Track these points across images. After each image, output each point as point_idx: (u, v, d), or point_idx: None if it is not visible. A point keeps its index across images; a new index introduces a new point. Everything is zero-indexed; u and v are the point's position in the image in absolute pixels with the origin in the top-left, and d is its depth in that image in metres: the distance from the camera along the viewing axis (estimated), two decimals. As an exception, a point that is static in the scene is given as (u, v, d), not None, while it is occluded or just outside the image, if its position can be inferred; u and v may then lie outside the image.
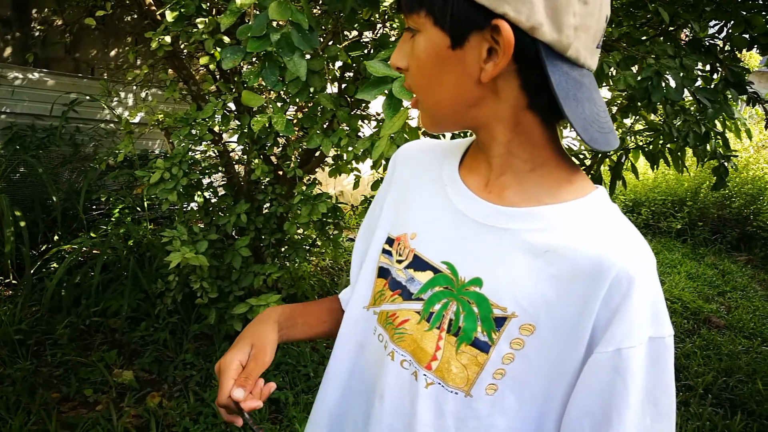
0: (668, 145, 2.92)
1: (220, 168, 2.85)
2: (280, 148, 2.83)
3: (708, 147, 2.68)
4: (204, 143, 2.77)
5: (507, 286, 0.68)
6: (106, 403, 2.38)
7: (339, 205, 3.01)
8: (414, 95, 0.74)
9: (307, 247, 3.31)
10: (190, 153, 2.54)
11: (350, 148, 2.21)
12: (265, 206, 2.95)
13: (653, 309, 0.64)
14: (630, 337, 0.63)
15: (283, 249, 3.07)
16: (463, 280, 0.71)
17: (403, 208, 0.83)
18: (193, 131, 2.48)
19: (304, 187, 2.55)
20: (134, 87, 3.74)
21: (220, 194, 2.97)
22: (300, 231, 3.30)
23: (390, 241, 0.82)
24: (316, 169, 3.03)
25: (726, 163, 2.81)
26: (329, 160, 3.00)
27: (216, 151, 2.87)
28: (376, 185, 2.79)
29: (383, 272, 0.82)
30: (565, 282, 0.65)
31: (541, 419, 0.70)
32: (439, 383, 0.72)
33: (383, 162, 2.53)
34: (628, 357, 0.63)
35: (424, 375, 0.73)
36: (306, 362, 2.87)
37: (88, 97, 3.44)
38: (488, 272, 0.69)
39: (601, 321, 0.64)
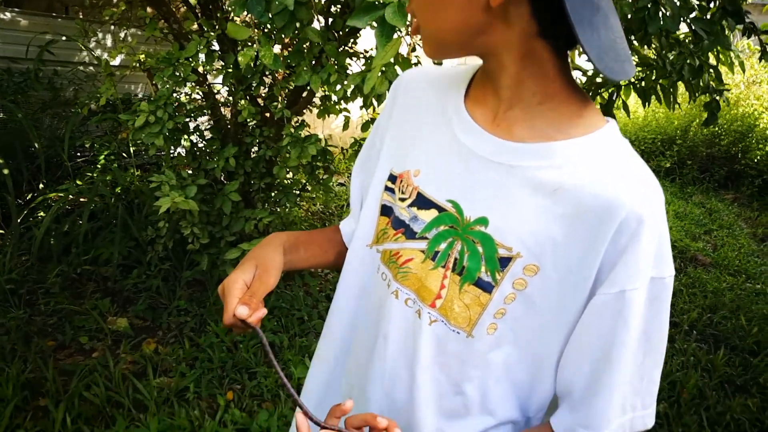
0: (660, 81, 2.87)
1: (206, 111, 2.77)
2: (266, 89, 2.75)
3: (701, 81, 2.64)
4: (188, 84, 2.69)
5: (513, 225, 0.66)
6: (102, 350, 2.39)
7: (328, 148, 2.96)
8: (415, 20, 0.69)
9: (298, 192, 3.28)
10: (174, 95, 2.46)
11: (339, 87, 2.14)
12: (253, 150, 2.89)
13: (658, 249, 0.63)
14: (634, 279, 0.62)
15: (273, 194, 3.03)
16: (468, 219, 0.69)
17: (405, 143, 0.79)
18: (177, 72, 2.40)
19: (292, 129, 2.49)
20: (112, 26, 3.59)
21: (207, 138, 2.90)
22: (290, 175, 3.26)
23: (393, 178, 0.79)
24: (304, 111, 2.96)
25: (718, 98, 2.77)
26: (317, 101, 2.93)
27: (201, 92, 2.78)
28: (366, 126, 2.74)
29: (386, 210, 0.80)
30: (573, 222, 0.63)
31: (539, 358, 0.71)
32: (443, 321, 0.71)
33: (374, 101, 2.48)
34: (631, 299, 0.62)
35: (429, 312, 0.72)
36: (300, 306, 2.89)
37: (64, 38, 3.29)
38: (494, 211, 0.67)
39: (607, 261, 0.63)
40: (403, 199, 0.76)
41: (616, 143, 0.66)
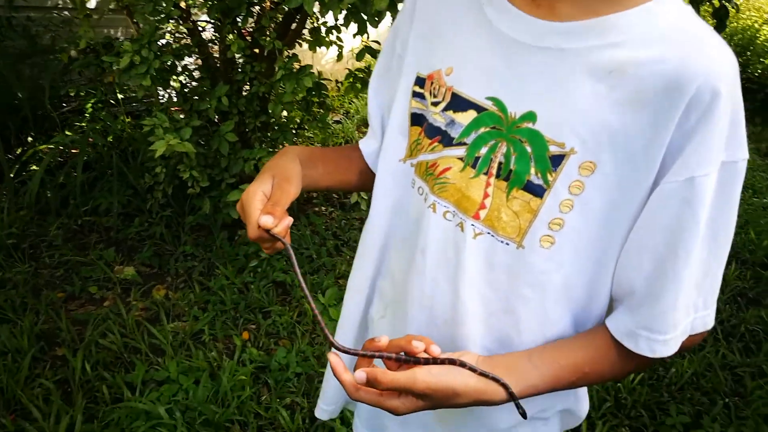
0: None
1: (192, 49, 2.65)
2: (254, 21, 2.63)
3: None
4: (171, 21, 2.56)
5: (565, 117, 0.59)
6: (112, 299, 2.37)
7: (322, 82, 2.86)
8: None
9: (294, 130, 3.19)
10: (158, 32, 2.34)
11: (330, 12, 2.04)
12: (245, 87, 2.79)
13: (733, 128, 0.56)
14: (705, 163, 0.55)
15: (269, 133, 2.95)
16: (513, 116, 0.62)
17: (432, 41, 0.71)
18: (158, 7, 2.27)
19: (284, 62, 2.39)
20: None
21: (196, 78, 2.79)
22: (284, 114, 3.16)
23: (420, 82, 0.72)
24: (295, 44, 2.83)
25: (727, 4, 2.66)
26: (307, 34, 2.80)
27: (186, 29, 2.65)
28: (361, 55, 2.63)
29: (417, 119, 0.73)
30: (634, 107, 0.56)
31: (599, 269, 0.65)
32: (489, 233, 0.66)
33: (369, 27, 2.36)
34: (700, 186, 0.56)
35: (472, 225, 0.66)
36: (308, 245, 2.86)
37: (34, -20, 3.11)
38: (542, 104, 0.60)
39: (674, 146, 0.56)
40: (435, 103, 0.69)
41: (679, 10, 0.58)
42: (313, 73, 2.50)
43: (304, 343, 2.19)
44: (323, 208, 3.31)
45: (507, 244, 0.65)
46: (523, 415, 0.61)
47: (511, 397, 0.61)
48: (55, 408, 1.77)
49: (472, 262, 0.67)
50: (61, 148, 3.07)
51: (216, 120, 2.78)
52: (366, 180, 0.86)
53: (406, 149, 0.75)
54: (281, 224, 0.64)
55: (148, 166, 2.78)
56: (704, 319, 0.63)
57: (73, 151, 3.16)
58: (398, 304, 0.79)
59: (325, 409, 0.93)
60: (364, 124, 4.94)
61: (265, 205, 0.66)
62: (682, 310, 0.61)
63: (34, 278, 2.44)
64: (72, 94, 3.16)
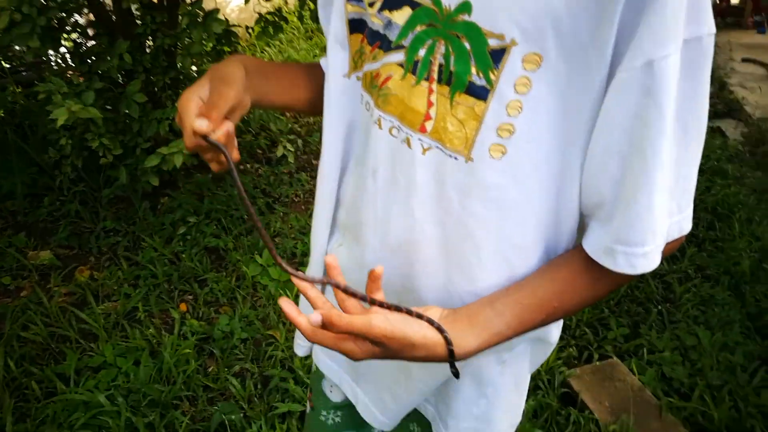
0: None
1: (82, 2, 2.38)
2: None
3: None
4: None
5: (502, 4, 0.52)
6: (30, 288, 2.18)
7: (231, 29, 2.66)
8: None
9: (208, 84, 2.98)
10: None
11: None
12: (148, 42, 2.56)
13: None
14: (663, 43, 0.48)
15: (180, 90, 2.74)
16: (447, 8, 0.55)
17: None
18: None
19: (189, 7, 2.19)
20: None
21: (92, 35, 2.53)
22: (195, 67, 2.94)
23: None
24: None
25: None
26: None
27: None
28: (272, -4, 2.45)
29: (356, 25, 0.65)
30: None
31: (562, 181, 0.58)
32: (438, 146, 0.59)
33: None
34: (661, 71, 0.48)
35: (419, 139, 0.60)
36: (237, 206, 2.72)
37: None
38: None
39: (625, 26, 0.49)
40: (372, 4, 0.61)
41: None
42: (222, 19, 2.31)
43: (247, 308, 2.09)
44: (249, 165, 3.15)
45: (456, 158, 0.58)
46: (456, 374, 0.58)
47: (449, 355, 0.56)
48: (-21, 413, 1.62)
49: (424, 182, 0.61)
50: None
51: (121, 81, 2.55)
52: None
53: (349, 62, 0.67)
54: (219, 130, 0.56)
55: (51, 139, 2.52)
56: (680, 224, 0.58)
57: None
58: (352, 229, 0.73)
59: (302, 344, 0.89)
60: (283, 73, 4.71)
61: (200, 108, 0.58)
62: (658, 218, 0.54)
63: (-67, 277, 2.21)
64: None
